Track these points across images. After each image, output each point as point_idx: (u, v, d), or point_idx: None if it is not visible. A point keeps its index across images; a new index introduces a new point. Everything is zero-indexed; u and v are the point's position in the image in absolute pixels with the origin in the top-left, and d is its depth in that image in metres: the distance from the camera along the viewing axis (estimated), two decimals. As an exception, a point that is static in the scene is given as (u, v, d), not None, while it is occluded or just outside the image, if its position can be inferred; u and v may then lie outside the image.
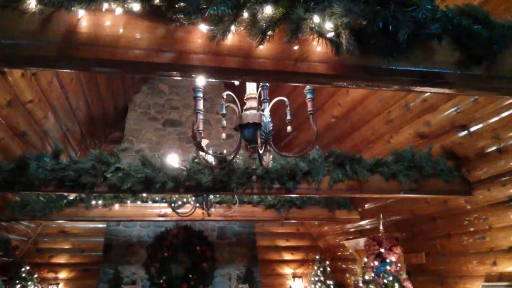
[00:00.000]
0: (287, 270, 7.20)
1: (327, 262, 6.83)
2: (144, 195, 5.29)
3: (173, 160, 3.55)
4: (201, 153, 2.52)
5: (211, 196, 4.31)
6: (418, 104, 3.83)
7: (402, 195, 3.65)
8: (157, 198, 5.36)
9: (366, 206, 5.50)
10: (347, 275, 6.47)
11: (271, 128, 2.14)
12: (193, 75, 1.71)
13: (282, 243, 7.35)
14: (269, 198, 5.47)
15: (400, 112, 4.11)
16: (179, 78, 1.71)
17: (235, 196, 5.05)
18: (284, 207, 5.49)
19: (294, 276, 7.09)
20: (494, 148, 3.41)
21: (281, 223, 7.19)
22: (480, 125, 3.44)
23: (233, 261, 6.82)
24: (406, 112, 4.03)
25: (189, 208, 4.65)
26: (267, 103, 2.14)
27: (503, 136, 3.31)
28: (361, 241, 5.28)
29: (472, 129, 3.52)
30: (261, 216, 5.59)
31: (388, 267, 4.22)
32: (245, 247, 6.96)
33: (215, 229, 6.92)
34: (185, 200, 4.97)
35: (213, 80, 1.79)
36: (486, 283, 3.79)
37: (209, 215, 4.57)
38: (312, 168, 3.41)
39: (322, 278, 6.65)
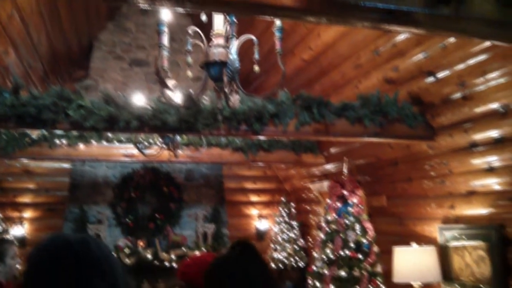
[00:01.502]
0: (253, 211, 7.35)
1: (292, 204, 6.99)
2: (110, 135, 5.22)
3: (139, 99, 3.48)
4: (167, 91, 2.46)
5: (178, 137, 4.28)
6: (388, 49, 3.82)
7: (367, 138, 3.71)
8: (123, 139, 5.30)
9: (332, 150, 5.58)
10: (311, 216, 6.66)
11: (238, 66, 2.10)
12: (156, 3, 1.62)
13: (249, 185, 7.46)
14: (236, 141, 5.48)
15: (370, 57, 4.10)
16: (145, 6, 1.62)
17: (203, 138, 5.04)
18: (252, 150, 5.53)
19: (260, 217, 7.25)
20: (459, 95, 3.45)
21: (249, 166, 7.26)
22: (447, 72, 3.47)
23: (201, 202, 6.91)
24: (376, 57, 4.02)
25: (156, 149, 4.62)
26: (234, 40, 2.08)
27: (469, 83, 3.35)
28: (326, 184, 5.40)
29: (439, 75, 3.55)
30: (228, 158, 5.63)
31: (350, 209, 4.34)
32: (212, 189, 7.04)
33: (183, 171, 6.94)
34: (151, 141, 4.92)
35: (177, 10, 1.71)
36: (443, 225, 3.95)
37: (176, 156, 4.56)
38: (279, 111, 3.40)
39: (287, 219, 6.82)
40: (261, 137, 4.12)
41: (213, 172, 7.09)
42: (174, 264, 6.07)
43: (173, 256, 6.19)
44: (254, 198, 7.45)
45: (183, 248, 6.31)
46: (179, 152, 4.97)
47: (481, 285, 3.51)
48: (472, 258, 3.63)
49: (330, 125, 3.55)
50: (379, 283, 4.19)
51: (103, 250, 1.10)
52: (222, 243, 6.55)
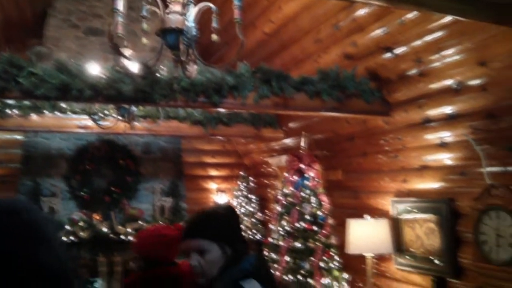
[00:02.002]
0: (212, 185, 7.35)
1: (251, 178, 7.02)
2: (64, 106, 5.05)
3: (93, 69, 3.36)
4: (122, 60, 2.39)
5: (134, 108, 4.19)
6: (348, 23, 3.84)
7: (325, 113, 3.74)
8: (77, 110, 5.14)
9: (291, 125, 5.62)
10: (270, 191, 6.71)
11: (196, 34, 2.04)
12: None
13: (208, 159, 7.42)
14: (195, 114, 5.42)
15: (330, 32, 4.10)
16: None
17: (160, 110, 4.95)
18: (211, 124, 5.48)
19: (219, 191, 7.26)
20: (415, 71, 3.52)
21: (208, 140, 7.22)
22: (404, 48, 3.52)
23: (158, 176, 6.84)
24: (336, 31, 4.03)
25: (111, 121, 4.51)
26: (192, 7, 2.02)
27: (425, 60, 3.41)
28: (284, 159, 5.43)
29: (397, 51, 3.60)
30: (187, 132, 5.56)
31: (306, 182, 4.40)
32: (170, 162, 6.98)
33: (140, 143, 6.83)
34: (107, 112, 4.79)
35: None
36: (396, 198, 4.07)
37: (132, 128, 4.47)
38: (238, 83, 3.37)
39: (245, 193, 6.86)
40: (220, 110, 4.08)
41: (171, 145, 7.02)
42: (130, 238, 6.01)
43: (129, 230, 6.13)
44: (213, 172, 7.43)
45: (140, 222, 6.26)
46: (136, 124, 4.87)
47: (431, 257, 3.65)
48: (423, 230, 3.76)
49: (289, 99, 3.55)
50: (333, 254, 4.28)
51: (36, 214, 1.04)
52: (180, 217, 6.52)
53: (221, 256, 1.76)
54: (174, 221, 6.31)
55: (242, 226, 1.97)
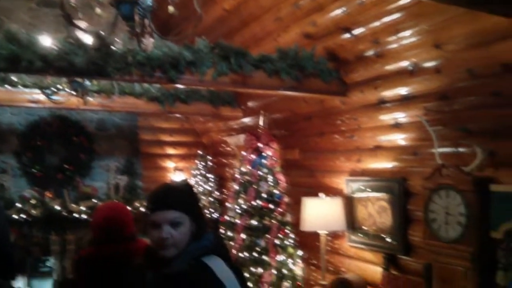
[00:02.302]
0: (170, 164, 7.26)
1: (209, 157, 6.99)
2: (15, 79, 4.84)
3: (45, 40, 3.22)
4: (75, 31, 2.29)
5: (88, 83, 4.06)
6: (308, 2, 3.82)
7: (283, 92, 3.74)
8: (28, 83, 4.93)
9: (250, 104, 5.60)
10: (228, 170, 6.71)
11: (151, 4, 1.98)
12: None
13: (166, 138, 7.32)
14: (152, 90, 5.31)
15: (290, 10, 4.07)
16: None
17: (115, 85, 4.82)
18: (168, 101, 5.38)
19: (176, 169, 7.19)
20: (372, 52, 3.55)
21: (166, 118, 7.10)
22: (363, 29, 3.55)
23: (113, 153, 6.69)
24: (296, 10, 4.00)
25: (64, 95, 4.36)
26: (147, -24, 1.95)
27: (382, 41, 3.45)
28: (243, 138, 5.42)
29: (355, 32, 3.62)
30: (144, 108, 5.44)
31: (264, 161, 4.42)
32: (126, 139, 6.83)
33: (94, 120, 6.64)
34: (59, 86, 4.61)
35: None
36: (350, 177, 4.14)
37: (85, 103, 4.35)
38: (197, 59, 3.30)
39: (203, 172, 6.83)
40: (178, 86, 4.00)
41: (127, 122, 6.86)
42: (84, 216, 5.89)
43: (82, 208, 5.99)
44: (170, 150, 7.34)
45: (94, 200, 6.12)
46: (89, 99, 4.73)
47: (382, 234, 3.75)
48: (375, 208, 3.85)
49: (247, 76, 3.52)
50: (288, 232, 4.34)
51: None
52: (136, 195, 6.43)
53: (190, 231, 1.75)
54: (129, 200, 6.22)
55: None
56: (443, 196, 2.97)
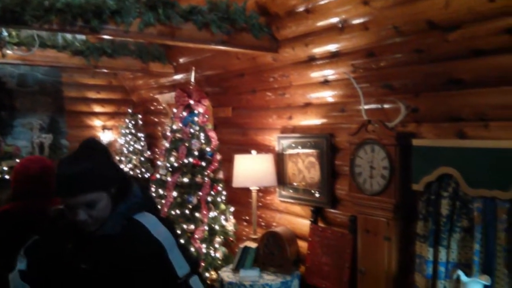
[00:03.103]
0: (97, 122, 7.00)
1: (139, 116, 6.80)
2: None
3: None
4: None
5: (5, 33, 3.77)
6: (240, -46, 3.70)
7: (214, 46, 3.65)
8: None
9: (181, 60, 5.45)
10: (159, 128, 6.57)
11: None
12: None
13: (93, 95, 7.01)
14: (76, 43, 5.02)
15: (221, -39, 3.94)
16: None
17: (36, 37, 4.52)
18: (93, 55, 5.11)
19: (104, 128, 6.95)
20: (303, 7, 3.52)
21: (92, 74, 6.78)
22: (293, -17, 3.50)
23: (36, 111, 6.33)
24: (227, -39, 3.87)
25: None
26: None
27: (313, -4, 3.42)
28: (173, 95, 5.29)
29: (286, -14, 3.56)
30: (67, 62, 5.13)
31: (195, 118, 4.34)
32: (50, 96, 6.48)
33: (15, 75, 6.21)
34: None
35: None
36: (281, 134, 4.18)
37: (3, 56, 4.06)
38: (121, 8, 3.12)
39: (133, 131, 6.65)
40: (102, 37, 3.77)
41: (50, 78, 6.49)
42: (6, 176, 5.59)
43: (4, 168, 5.68)
44: (98, 108, 7.06)
45: (17, 160, 5.80)
46: (8, 52, 4.42)
47: (311, 189, 3.85)
48: (305, 164, 3.93)
49: (176, 28, 3.39)
50: (220, 189, 4.35)
51: None
52: (61, 154, 6.17)
53: (110, 200, 1.66)
54: (55, 159, 5.96)
55: (116, 157, 1.83)
56: (368, 151, 3.07)
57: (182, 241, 4.03)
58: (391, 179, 2.90)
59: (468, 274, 2.39)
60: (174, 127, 4.39)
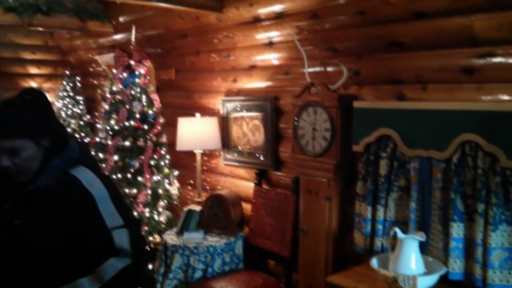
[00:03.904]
0: (33, 84, 6.65)
1: (78, 78, 6.52)
2: None
3: None
4: None
5: None
6: None
7: (155, 3, 3.51)
8: None
9: (121, 19, 5.23)
10: (98, 91, 6.34)
11: None
12: None
13: (28, 56, 6.64)
14: (9, 0, 4.70)
15: None
16: None
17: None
18: (27, 12, 4.81)
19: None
20: (248, -34, 3.44)
21: (27, 33, 6.38)
22: None
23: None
24: None
25: None
26: None
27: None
28: (113, 56, 5.09)
29: None
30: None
31: (136, 79, 4.20)
32: (-21, 56, 6.08)
33: None
34: None
35: None
36: (226, 98, 4.14)
37: None
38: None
39: (71, 94, 6.38)
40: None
41: (-20, 37, 6.07)
42: None
43: None
44: (33, 70, 6.70)
45: None
46: None
47: (255, 152, 3.86)
48: (249, 127, 3.93)
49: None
50: (163, 152, 4.28)
51: None
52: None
53: (38, 151, 1.64)
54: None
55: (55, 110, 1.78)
56: (311, 113, 3.09)
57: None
58: (333, 140, 2.95)
59: (404, 232, 2.49)
60: (114, 88, 4.23)
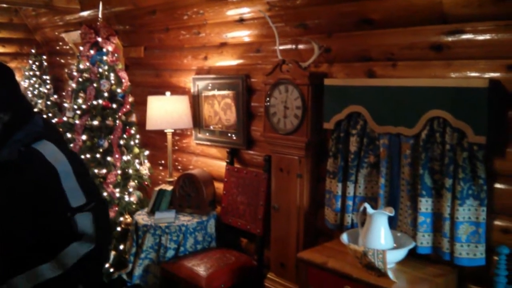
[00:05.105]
0: (-3, 63, 6.42)
1: (44, 57, 6.33)
2: None
3: None
4: None
5: None
6: None
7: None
8: None
9: (88, -5, 5.07)
10: (66, 70, 6.16)
11: None
12: None
13: (-8, 34, 6.40)
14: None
15: None
16: None
17: None
18: (-12, -13, 4.62)
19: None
20: None
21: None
22: None
23: None
24: None
25: None
26: None
27: None
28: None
29: None
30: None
31: (104, 57, 4.09)
32: None
33: None
34: None
35: None
36: (197, 76, 4.08)
37: None
38: None
39: (37, 73, 6.19)
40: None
41: None
42: None
43: None
44: (-2, 49, 6.47)
45: None
46: None
47: (227, 131, 3.83)
48: (221, 106, 3.89)
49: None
50: (133, 132, 4.21)
51: None
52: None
53: None
54: None
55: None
56: (282, 91, 3.07)
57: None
58: (304, 118, 2.95)
59: (374, 207, 2.53)
60: (81, 66, 4.12)
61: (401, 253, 2.37)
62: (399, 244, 2.44)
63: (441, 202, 2.38)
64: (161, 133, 4.15)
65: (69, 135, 4.02)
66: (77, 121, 4.00)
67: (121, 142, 4.07)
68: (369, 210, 2.43)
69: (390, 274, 2.25)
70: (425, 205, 2.41)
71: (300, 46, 3.19)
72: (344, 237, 2.54)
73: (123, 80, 4.16)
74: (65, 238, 1.60)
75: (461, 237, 2.29)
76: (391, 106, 2.53)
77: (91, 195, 1.68)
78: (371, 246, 2.34)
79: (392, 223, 2.54)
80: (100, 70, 4.04)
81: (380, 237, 2.38)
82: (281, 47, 3.17)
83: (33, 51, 6.32)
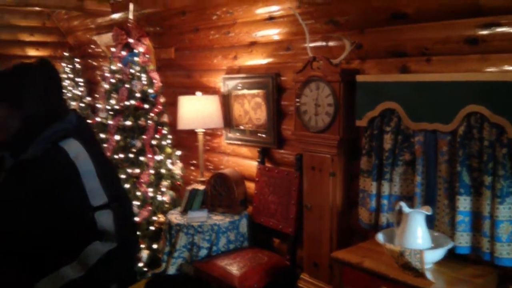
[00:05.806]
0: (32, 67, 6.58)
1: (77, 60, 6.45)
2: None
3: None
4: None
5: None
6: None
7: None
8: None
9: (118, -3, 5.14)
10: (98, 73, 6.28)
11: None
12: None
13: (26, 37, 6.55)
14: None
15: None
16: None
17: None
18: (23, -8, 4.74)
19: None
20: None
21: (24, 15, 6.31)
22: None
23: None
24: None
25: None
26: None
27: None
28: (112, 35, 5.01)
29: None
30: (-6, 1, 4.75)
31: (136, 58, 4.13)
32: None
33: None
34: None
35: None
36: (227, 75, 4.08)
37: None
38: None
39: (71, 76, 6.32)
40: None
41: (-23, 19, 6.00)
42: None
43: None
44: (32, 52, 6.62)
45: None
46: None
47: (258, 130, 3.82)
48: (251, 105, 3.88)
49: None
50: (164, 132, 4.24)
51: None
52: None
53: (9, 116, 1.64)
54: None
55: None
56: (313, 89, 3.04)
57: (127, 186, 3.95)
58: (336, 115, 2.90)
59: (410, 206, 2.47)
60: (113, 67, 4.17)
61: (439, 253, 2.31)
62: (437, 244, 2.37)
63: (480, 200, 2.30)
64: (193, 134, 4.17)
65: (102, 135, 4.08)
66: (110, 122, 4.06)
67: (154, 142, 4.11)
68: (405, 209, 2.37)
69: (428, 275, 2.19)
70: (464, 203, 2.34)
71: (331, 43, 3.15)
72: (380, 237, 2.49)
73: (155, 81, 4.20)
74: (86, 238, 1.58)
75: (502, 237, 2.22)
76: (426, 102, 2.47)
77: (114, 196, 1.65)
78: (408, 246, 2.29)
79: (430, 222, 2.48)
80: (132, 71, 4.08)
81: (417, 237, 2.33)
82: (311, 45, 3.14)
83: (66, 54, 6.45)
